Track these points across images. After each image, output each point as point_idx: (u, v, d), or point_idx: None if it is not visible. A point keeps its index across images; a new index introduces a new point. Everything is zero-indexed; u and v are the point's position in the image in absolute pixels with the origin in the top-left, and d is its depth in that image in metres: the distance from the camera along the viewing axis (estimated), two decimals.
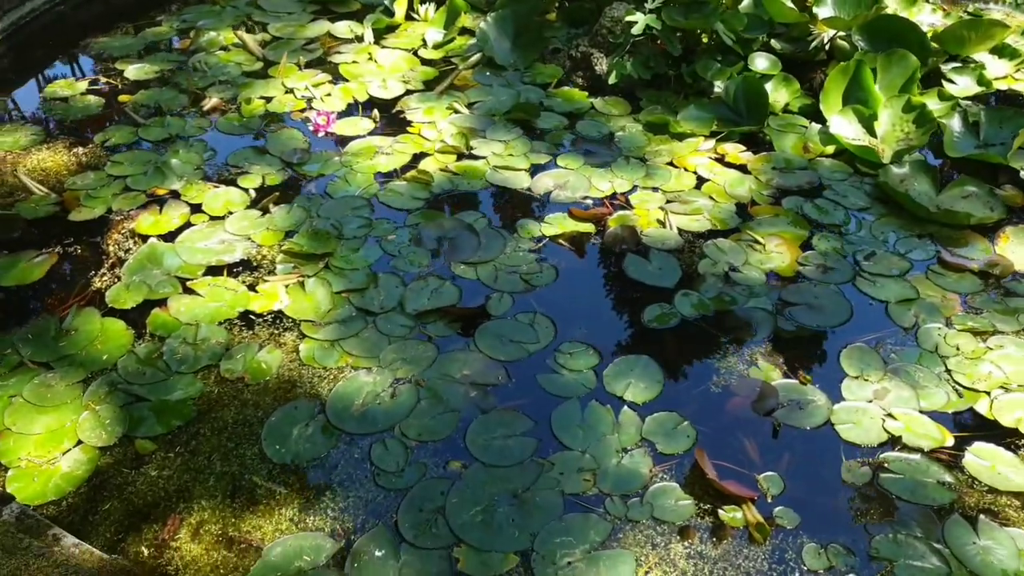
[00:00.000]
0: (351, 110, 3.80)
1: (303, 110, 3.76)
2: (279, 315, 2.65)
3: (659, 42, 3.93)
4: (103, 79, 4.00)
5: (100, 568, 1.78)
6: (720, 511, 2.09)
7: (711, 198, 3.27)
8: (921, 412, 2.38)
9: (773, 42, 4.11)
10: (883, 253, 2.99)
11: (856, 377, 2.49)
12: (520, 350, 2.54)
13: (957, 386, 2.46)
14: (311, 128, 3.61)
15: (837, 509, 2.14)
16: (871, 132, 3.62)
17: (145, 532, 2.01)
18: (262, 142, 3.53)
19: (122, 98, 3.83)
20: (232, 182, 3.26)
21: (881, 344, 2.61)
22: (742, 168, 3.46)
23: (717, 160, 3.50)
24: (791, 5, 3.95)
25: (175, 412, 2.31)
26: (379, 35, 4.45)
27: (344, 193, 3.22)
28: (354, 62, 4.18)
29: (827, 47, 4.12)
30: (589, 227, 3.08)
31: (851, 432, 2.32)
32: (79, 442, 2.22)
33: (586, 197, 3.25)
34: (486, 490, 2.12)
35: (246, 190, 3.21)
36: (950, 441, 2.30)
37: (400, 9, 4.54)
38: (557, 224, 3.08)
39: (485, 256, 2.91)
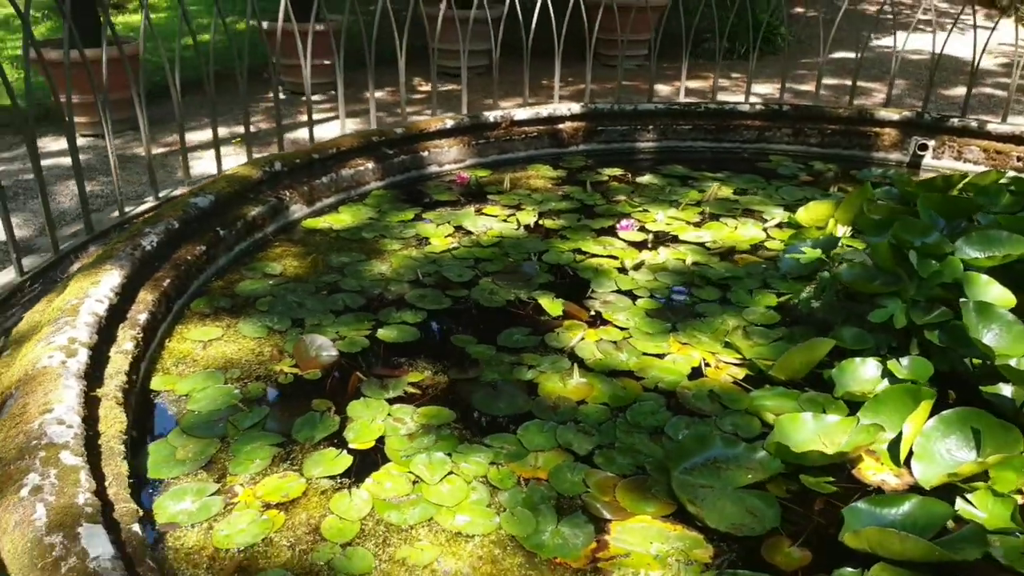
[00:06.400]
0: (659, 237, 4.86)
1: (640, 222, 5.03)
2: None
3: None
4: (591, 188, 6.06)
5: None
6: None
7: (656, 388, 3.28)
8: None
9: None
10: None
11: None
12: (414, 315, 3.78)
13: None
14: (618, 225, 4.94)
15: None
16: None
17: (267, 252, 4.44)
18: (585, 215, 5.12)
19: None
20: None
21: None
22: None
23: (734, 381, 3.32)
24: None
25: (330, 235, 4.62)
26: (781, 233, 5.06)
27: (557, 249, 4.58)
28: (724, 225, 5.04)
29: None
30: (582, 324, 3.73)
31: None
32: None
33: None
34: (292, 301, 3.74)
35: (518, 221, 4.99)
36: None
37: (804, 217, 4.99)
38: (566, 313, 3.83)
39: (505, 285, 4.06)
